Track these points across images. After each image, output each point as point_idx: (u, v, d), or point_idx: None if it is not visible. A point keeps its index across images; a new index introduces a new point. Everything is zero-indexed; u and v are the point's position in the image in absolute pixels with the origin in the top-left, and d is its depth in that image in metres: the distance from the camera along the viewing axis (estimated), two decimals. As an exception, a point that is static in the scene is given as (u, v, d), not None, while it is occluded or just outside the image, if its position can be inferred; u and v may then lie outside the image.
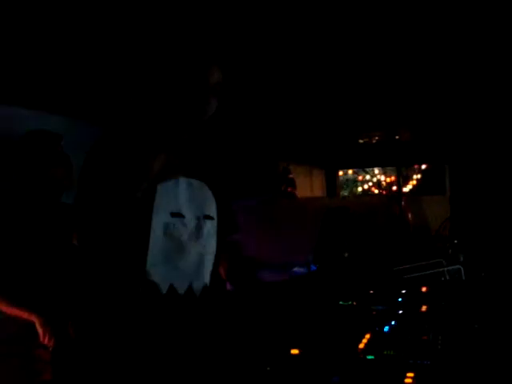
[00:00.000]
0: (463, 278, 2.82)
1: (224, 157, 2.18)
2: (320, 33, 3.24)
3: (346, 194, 10.21)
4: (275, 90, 4.53)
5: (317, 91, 4.77)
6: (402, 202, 7.30)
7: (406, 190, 9.13)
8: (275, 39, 3.25)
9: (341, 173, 9.52)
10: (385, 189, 9.74)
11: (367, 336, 2.06)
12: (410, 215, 7.25)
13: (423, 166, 9.25)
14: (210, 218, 1.91)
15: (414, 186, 9.33)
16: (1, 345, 2.71)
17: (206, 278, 1.87)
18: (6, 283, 2.75)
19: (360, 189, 10.15)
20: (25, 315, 2.72)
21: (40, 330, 2.70)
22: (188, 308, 1.71)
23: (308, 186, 7.95)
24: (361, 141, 7.76)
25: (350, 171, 9.92)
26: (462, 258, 3.46)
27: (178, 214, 1.83)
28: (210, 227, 1.92)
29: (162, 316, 1.72)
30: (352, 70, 4.11)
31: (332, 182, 8.64)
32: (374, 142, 7.71)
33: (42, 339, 2.70)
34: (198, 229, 1.88)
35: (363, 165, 9.20)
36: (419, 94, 4.98)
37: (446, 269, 3.11)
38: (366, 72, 4.18)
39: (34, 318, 2.69)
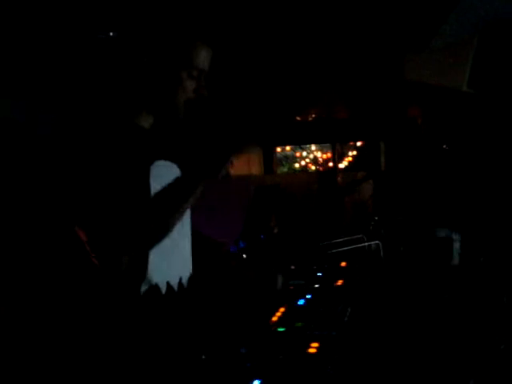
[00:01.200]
0: (381, 253, 2.94)
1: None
2: (259, 8, 3.27)
3: (285, 170, 10.35)
4: (212, 67, 4.55)
5: (253, 68, 4.81)
6: (338, 178, 7.44)
7: (341, 166, 9.31)
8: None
9: (279, 149, 9.62)
10: (321, 165, 9.91)
11: (281, 309, 2.16)
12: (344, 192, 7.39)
13: (359, 143, 9.45)
14: None
15: (349, 162, 9.53)
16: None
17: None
18: None
19: (297, 165, 10.30)
20: None
21: None
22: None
23: (245, 163, 8.00)
24: (298, 118, 7.86)
25: (288, 148, 10.04)
26: (383, 233, 3.59)
27: None
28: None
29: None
30: (287, 48, 4.17)
31: (269, 159, 8.73)
32: (310, 119, 7.81)
33: None
34: None
35: (300, 142, 9.31)
36: (354, 70, 5.08)
37: (366, 244, 3.24)
38: (301, 49, 4.25)
39: None
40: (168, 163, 1.66)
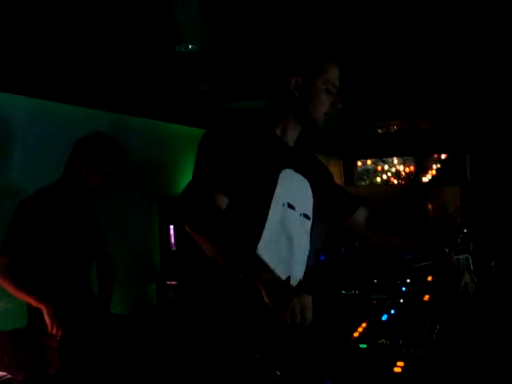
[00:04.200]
0: (471, 267, 2.75)
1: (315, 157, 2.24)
2: (335, 18, 3.19)
3: (365, 184, 10.12)
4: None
5: (345, 82, 4.73)
6: (421, 193, 7.20)
7: (425, 179, 9.01)
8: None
9: (359, 163, 9.43)
10: (404, 179, 9.62)
11: (363, 325, 2.03)
12: (429, 206, 7.14)
13: (443, 156, 9.12)
14: (307, 217, 1.96)
15: (433, 175, 9.20)
16: (12, 334, 2.74)
17: (301, 275, 1.95)
18: (20, 269, 2.80)
19: (379, 179, 10.04)
20: (34, 303, 2.75)
21: (48, 320, 2.73)
22: None
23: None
24: (379, 130, 7.68)
25: (369, 161, 9.81)
26: (471, 248, 3.39)
27: (291, 206, 1.88)
28: (307, 227, 1.95)
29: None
30: (371, 58, 4.06)
31: (350, 173, 8.56)
32: (392, 131, 7.61)
33: (50, 329, 2.73)
34: (301, 224, 1.93)
35: (381, 155, 9.10)
36: (438, 81, 4.89)
37: (454, 258, 3.05)
38: (384, 59, 4.12)
39: (42, 307, 2.71)
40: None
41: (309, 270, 3.64)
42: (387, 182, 9.91)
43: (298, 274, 1.92)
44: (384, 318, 2.16)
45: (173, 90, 4.66)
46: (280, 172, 1.86)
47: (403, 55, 4.03)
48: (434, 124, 7.29)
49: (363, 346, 1.81)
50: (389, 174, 9.93)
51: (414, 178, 9.10)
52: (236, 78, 4.41)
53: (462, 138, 7.36)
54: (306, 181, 1.97)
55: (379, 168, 9.96)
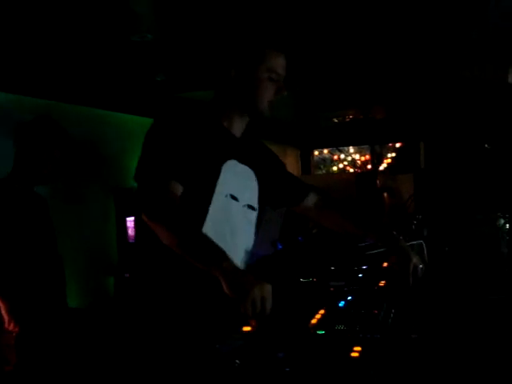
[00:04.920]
0: (425, 252, 2.81)
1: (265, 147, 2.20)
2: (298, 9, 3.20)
3: (321, 173, 10.21)
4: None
5: (292, 70, 4.74)
6: (377, 181, 7.30)
7: (380, 168, 9.15)
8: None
9: (316, 152, 9.51)
10: (360, 168, 9.75)
11: (321, 312, 2.05)
12: (384, 194, 7.24)
13: (398, 145, 9.27)
14: (252, 208, 1.97)
15: (388, 164, 9.35)
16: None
17: (243, 265, 1.94)
18: None
19: (335, 168, 10.16)
20: None
21: (4, 317, 2.68)
22: None
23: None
24: (335, 120, 7.75)
25: (326, 151, 9.91)
26: (425, 233, 3.46)
27: (234, 197, 1.88)
28: (251, 217, 1.95)
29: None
30: (327, 49, 4.08)
31: (306, 162, 8.63)
32: (347, 120, 7.69)
33: (6, 325, 2.68)
34: (244, 215, 1.92)
35: (337, 144, 9.20)
36: (392, 71, 4.96)
37: (408, 244, 3.11)
38: (340, 50, 4.16)
39: None
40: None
41: (267, 258, 3.66)
42: (343, 170, 10.03)
43: (241, 264, 1.92)
44: (341, 304, 2.19)
45: (127, 79, 4.60)
46: (223, 164, 1.85)
47: (357, 47, 4.07)
48: (388, 113, 7.40)
49: (321, 332, 1.83)
50: (345, 162, 10.06)
51: (370, 167, 9.22)
52: (191, 68, 4.38)
53: (416, 126, 7.48)
54: (251, 171, 1.97)
55: (335, 157, 10.07)
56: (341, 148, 9.85)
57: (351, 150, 9.98)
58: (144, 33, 3.35)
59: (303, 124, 7.79)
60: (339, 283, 2.51)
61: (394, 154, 9.42)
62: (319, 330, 1.84)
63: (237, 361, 1.54)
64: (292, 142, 8.24)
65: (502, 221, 3.42)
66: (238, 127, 1.97)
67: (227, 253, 1.59)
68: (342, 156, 10.04)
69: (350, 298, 2.26)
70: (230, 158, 1.89)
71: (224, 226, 1.85)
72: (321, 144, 9.03)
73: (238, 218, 1.90)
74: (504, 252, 3.38)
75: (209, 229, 1.78)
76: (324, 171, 10.27)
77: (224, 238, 1.81)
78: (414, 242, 2.94)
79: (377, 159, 9.23)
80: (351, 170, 9.90)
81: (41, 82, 4.11)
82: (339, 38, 3.85)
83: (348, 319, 1.94)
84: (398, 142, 9.12)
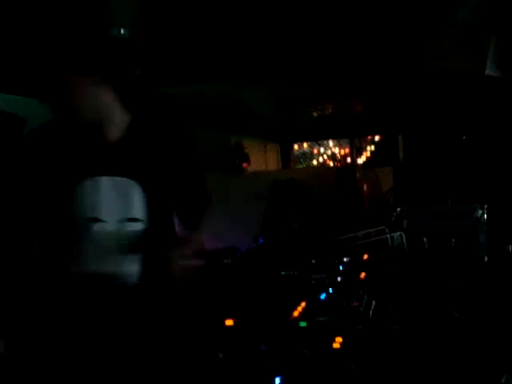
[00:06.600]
0: (405, 244, 2.85)
1: (161, 145, 1.96)
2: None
3: (302, 167, 10.22)
4: (228, 60, 4.47)
5: (270, 64, 4.73)
6: (357, 174, 7.34)
7: (360, 161, 9.18)
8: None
9: (296, 147, 9.52)
10: (339, 161, 9.78)
11: (303, 304, 2.07)
12: (364, 186, 7.30)
13: (377, 138, 9.30)
14: (135, 220, 1.76)
15: (367, 157, 9.38)
16: None
17: (130, 279, 1.74)
18: None
19: (315, 162, 10.17)
20: None
21: None
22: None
23: (262, 160, 7.92)
24: (314, 114, 7.75)
25: (306, 145, 9.91)
26: (405, 225, 3.49)
27: (96, 219, 1.72)
28: (136, 229, 1.76)
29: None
30: (303, 44, 4.08)
31: (287, 156, 8.63)
32: (327, 114, 7.70)
33: None
34: (119, 233, 1.75)
35: (317, 138, 9.21)
36: (370, 63, 4.98)
37: (388, 236, 3.14)
38: (316, 44, 4.16)
39: None
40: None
41: (249, 252, 3.67)
42: (324, 164, 10.05)
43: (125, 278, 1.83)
44: (322, 296, 2.21)
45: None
46: (77, 185, 1.71)
47: (334, 42, 4.08)
48: (367, 107, 7.42)
49: (303, 324, 1.85)
50: (325, 156, 10.07)
51: (349, 161, 9.26)
52: (166, 64, 4.35)
53: (395, 119, 7.51)
54: (130, 181, 1.75)
55: (315, 151, 10.08)
56: (320, 142, 9.86)
57: (331, 143, 9.99)
58: (120, 27, 3.32)
59: (283, 118, 7.79)
60: (320, 276, 2.54)
61: (373, 148, 9.45)
62: (301, 322, 1.86)
63: (220, 354, 1.56)
64: (272, 137, 8.24)
65: (480, 211, 3.46)
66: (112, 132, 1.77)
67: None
68: (322, 150, 10.05)
69: (331, 290, 2.28)
70: (89, 176, 1.72)
71: (95, 250, 1.72)
72: (300, 138, 9.03)
73: (111, 238, 1.74)
74: (482, 242, 3.42)
75: (79, 257, 1.71)
76: (304, 165, 10.27)
77: (99, 259, 1.72)
78: (394, 234, 2.97)
79: (356, 153, 9.25)
80: (331, 164, 9.92)
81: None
82: (317, 32, 3.86)
83: (329, 311, 1.96)
84: (376, 135, 9.15)
